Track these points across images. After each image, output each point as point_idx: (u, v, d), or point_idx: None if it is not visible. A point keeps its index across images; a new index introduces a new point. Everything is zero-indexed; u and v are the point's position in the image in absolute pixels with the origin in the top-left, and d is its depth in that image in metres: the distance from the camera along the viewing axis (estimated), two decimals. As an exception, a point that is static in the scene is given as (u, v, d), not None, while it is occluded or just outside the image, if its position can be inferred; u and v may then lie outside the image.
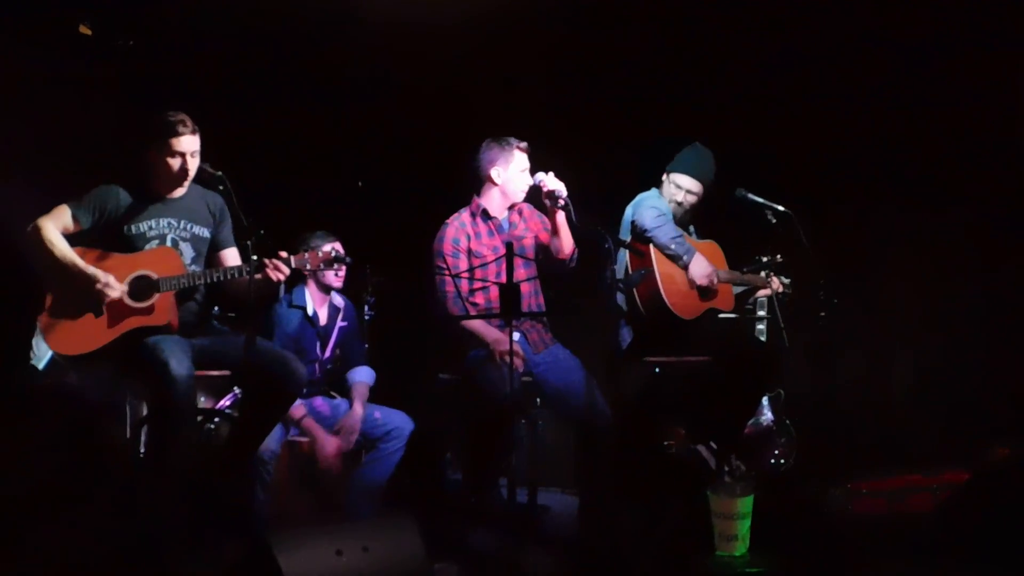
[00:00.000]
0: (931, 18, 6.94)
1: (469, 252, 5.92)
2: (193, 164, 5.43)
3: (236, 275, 5.38)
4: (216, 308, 6.23)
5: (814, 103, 7.23)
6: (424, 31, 7.26)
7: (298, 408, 6.06)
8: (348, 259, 5.52)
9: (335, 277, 6.37)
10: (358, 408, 6.25)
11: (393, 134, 7.58)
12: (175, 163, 5.41)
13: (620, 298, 6.28)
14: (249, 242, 5.35)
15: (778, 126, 7.22)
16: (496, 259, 5.84)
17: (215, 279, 5.40)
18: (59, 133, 6.98)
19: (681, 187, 6.39)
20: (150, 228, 5.46)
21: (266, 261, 5.32)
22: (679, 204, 6.40)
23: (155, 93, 6.81)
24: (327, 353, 6.42)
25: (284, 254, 5.36)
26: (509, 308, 5.40)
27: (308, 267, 5.43)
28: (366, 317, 7.02)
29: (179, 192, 5.54)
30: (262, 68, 7.44)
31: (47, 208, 5.42)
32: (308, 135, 7.57)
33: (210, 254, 5.62)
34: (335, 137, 7.61)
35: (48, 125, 6.99)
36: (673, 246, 6.23)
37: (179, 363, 5.20)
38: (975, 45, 6.91)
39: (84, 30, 7.25)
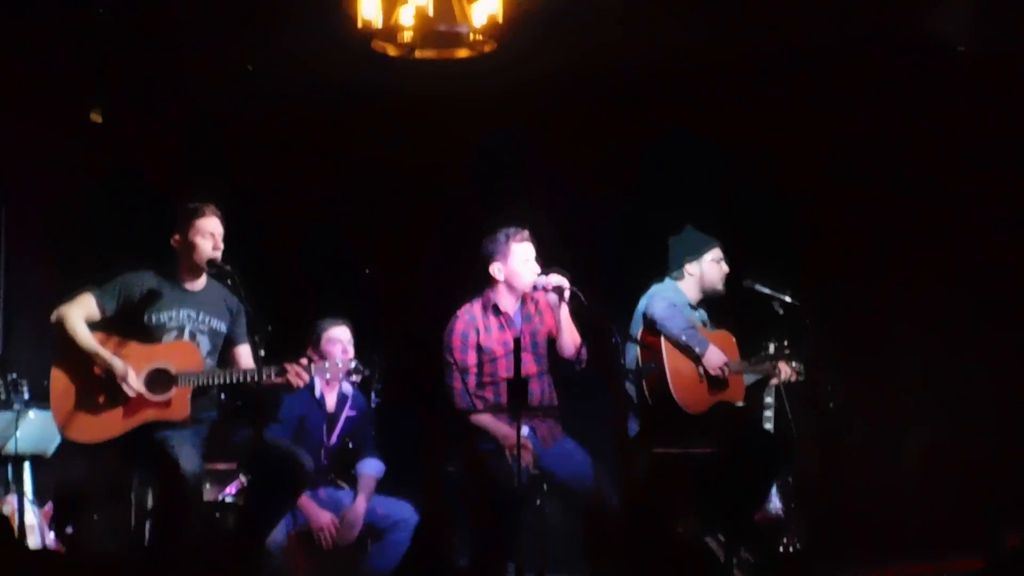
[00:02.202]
0: (935, 103, 6.99)
1: (478, 347, 5.94)
2: (219, 247, 5.47)
3: (256, 378, 5.39)
4: (223, 396, 6.23)
5: (817, 188, 7.27)
6: (435, 115, 7.35)
7: (304, 502, 6.04)
8: (367, 371, 5.57)
9: (349, 379, 6.38)
10: (361, 502, 6.24)
11: (403, 218, 7.61)
12: (204, 244, 5.46)
13: (629, 388, 6.28)
14: (258, 337, 5.39)
15: (783, 213, 7.24)
16: (506, 354, 5.84)
17: (235, 380, 5.44)
18: (82, 219, 7.05)
19: (716, 260, 6.45)
20: (170, 319, 5.50)
21: (287, 367, 5.36)
22: (723, 275, 6.44)
23: (169, 181, 6.88)
24: (332, 439, 6.41)
25: (305, 361, 5.40)
26: (517, 404, 5.42)
27: (328, 377, 5.48)
28: (372, 404, 7.00)
29: (199, 284, 5.58)
30: (271, 153, 7.50)
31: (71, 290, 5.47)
32: (313, 220, 7.61)
33: (224, 348, 5.64)
34: (344, 220, 7.66)
35: (70, 210, 7.07)
36: (685, 338, 6.24)
37: (189, 459, 5.26)
38: (981, 129, 6.95)
39: (95, 118, 7.31)
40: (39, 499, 6.33)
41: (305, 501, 6.11)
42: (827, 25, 6.73)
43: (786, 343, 6.63)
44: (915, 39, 6.64)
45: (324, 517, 6.13)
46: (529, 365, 5.77)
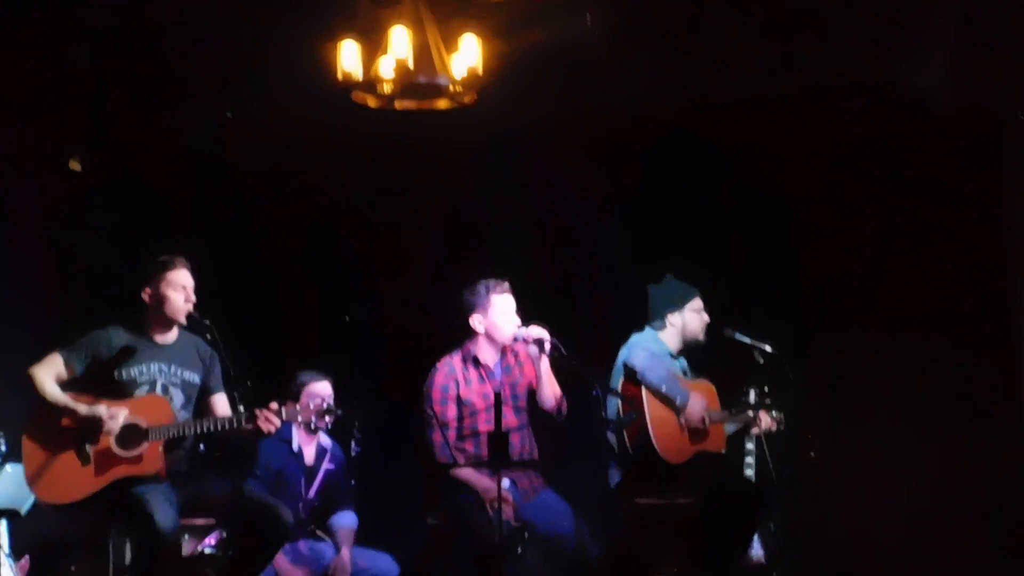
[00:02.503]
0: (911, 152, 7.02)
1: (459, 399, 5.93)
2: (190, 299, 5.45)
3: (227, 426, 5.37)
4: (202, 446, 6.19)
5: (797, 237, 7.28)
6: (415, 166, 7.36)
7: (280, 559, 6.01)
8: (339, 411, 5.54)
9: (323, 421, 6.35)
10: (346, 553, 6.26)
11: (383, 268, 7.60)
12: (176, 297, 5.44)
13: (610, 437, 6.27)
14: (236, 393, 5.36)
15: (763, 261, 7.26)
16: (486, 408, 5.82)
17: (206, 429, 5.40)
18: (54, 273, 7.02)
19: (697, 310, 6.47)
20: (140, 373, 5.46)
21: (257, 412, 5.33)
22: (704, 325, 6.46)
23: (144, 235, 6.85)
24: (311, 493, 6.39)
25: (275, 405, 5.37)
26: (497, 458, 5.41)
27: (299, 419, 5.45)
28: (353, 454, 6.97)
29: (170, 337, 5.55)
30: (249, 202, 7.49)
31: (42, 351, 5.43)
32: (294, 269, 7.60)
33: (200, 399, 5.61)
34: (321, 271, 7.64)
35: (43, 265, 7.03)
36: (665, 388, 6.23)
37: (164, 515, 5.20)
38: (958, 180, 6.98)
39: (74, 166, 7.28)
40: (15, 553, 6.26)
41: (279, 559, 6.07)
42: (808, 74, 6.76)
43: (766, 391, 6.64)
44: (895, 90, 6.67)
45: (297, 574, 6.10)
46: (509, 418, 5.77)
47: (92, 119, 7.16)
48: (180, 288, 5.46)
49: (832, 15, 6.38)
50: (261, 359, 5.88)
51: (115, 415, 5.27)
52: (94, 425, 5.26)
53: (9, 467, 6.16)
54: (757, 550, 6.91)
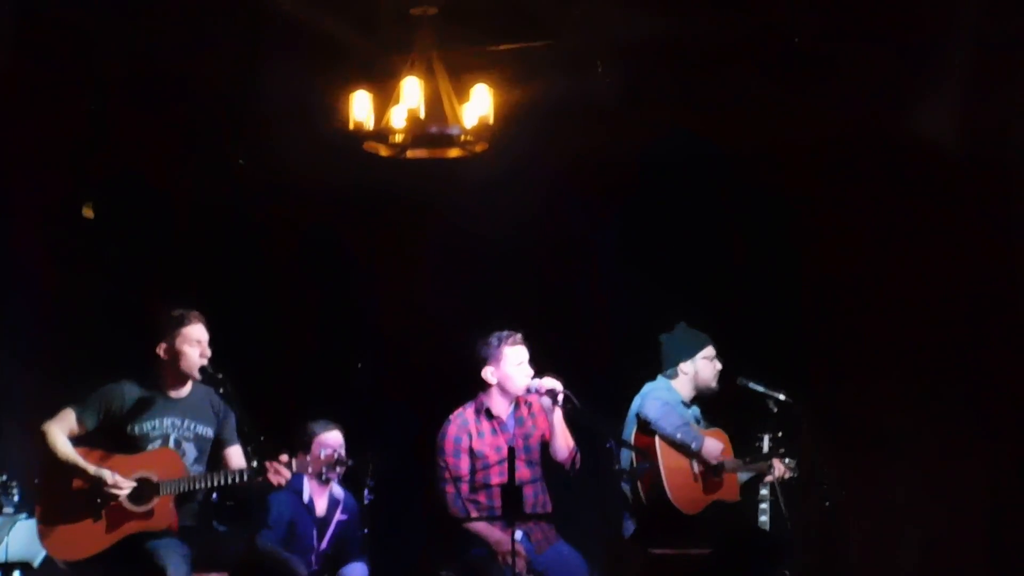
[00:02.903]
0: (925, 201, 7.03)
1: (471, 452, 5.91)
2: (205, 354, 5.45)
3: (237, 479, 5.36)
4: (215, 496, 6.18)
5: (811, 283, 7.28)
6: (425, 215, 7.37)
7: None
8: (349, 461, 5.54)
9: (334, 473, 6.34)
10: None
11: (393, 317, 7.60)
12: (191, 352, 5.44)
13: (624, 488, 6.25)
14: (250, 447, 5.36)
15: (776, 309, 7.24)
16: (499, 461, 5.81)
17: (216, 483, 5.39)
18: (71, 322, 7.04)
19: (709, 358, 6.46)
20: (153, 428, 5.46)
21: (267, 465, 5.31)
22: (717, 373, 6.45)
23: (155, 287, 6.87)
24: (324, 544, 6.37)
25: (285, 458, 5.35)
26: (511, 511, 5.39)
27: (310, 470, 5.43)
28: (365, 502, 6.95)
29: (184, 391, 5.55)
30: (260, 251, 7.50)
31: (56, 405, 5.43)
32: (304, 318, 7.61)
33: (214, 452, 5.60)
34: (332, 320, 7.65)
35: (60, 312, 7.05)
36: (679, 435, 6.22)
37: (176, 569, 5.18)
38: (970, 227, 6.98)
39: (87, 213, 7.30)
40: (28, 606, 6.27)
41: None
42: (821, 123, 6.77)
43: (780, 439, 6.61)
44: (907, 140, 6.67)
45: None
46: (522, 471, 5.74)
47: (102, 162, 7.18)
48: (195, 343, 5.46)
49: (845, 68, 6.39)
50: (273, 410, 5.87)
51: (119, 484, 5.26)
52: (103, 485, 5.25)
53: (22, 519, 6.16)
54: (772, 597, 6.88)
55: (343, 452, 6.17)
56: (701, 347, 6.50)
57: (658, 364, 6.53)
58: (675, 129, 6.79)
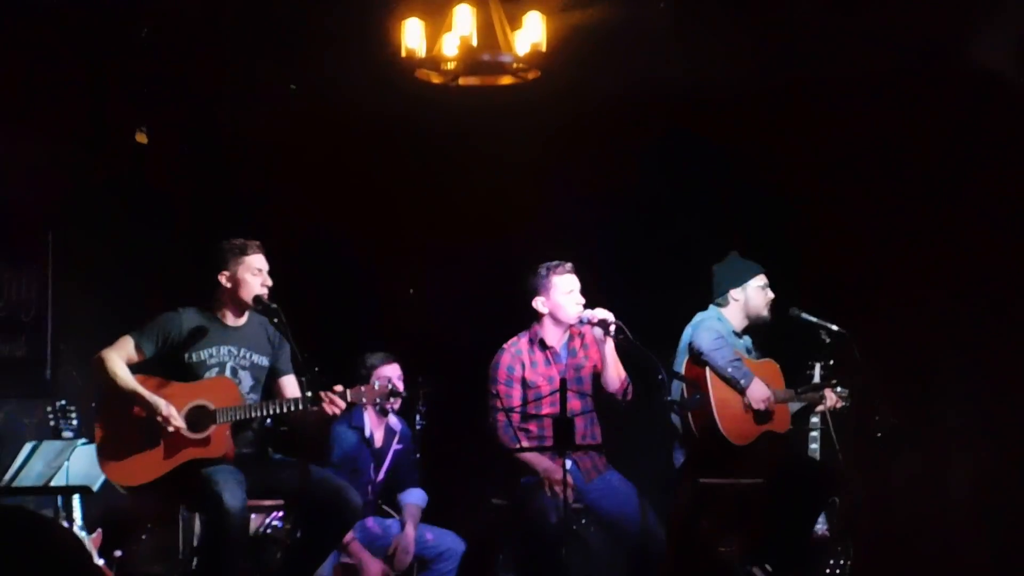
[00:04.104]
0: (982, 129, 6.91)
1: (523, 381, 5.93)
2: (267, 283, 5.50)
3: (292, 407, 5.42)
4: (269, 421, 6.25)
5: (865, 216, 7.20)
6: (478, 144, 7.34)
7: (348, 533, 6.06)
8: (403, 393, 5.57)
9: (390, 404, 6.39)
10: (410, 530, 6.30)
11: (448, 241, 7.61)
12: (254, 281, 5.48)
13: (675, 418, 6.26)
14: (304, 379, 5.40)
15: (829, 241, 7.18)
16: (551, 391, 5.82)
17: (272, 412, 5.45)
18: (127, 247, 7.10)
19: (762, 286, 6.42)
20: (210, 356, 5.51)
21: (322, 395, 5.35)
22: (768, 302, 6.42)
23: (213, 217, 6.90)
24: (380, 475, 6.47)
25: (339, 388, 5.39)
26: (561, 442, 5.42)
27: (364, 401, 5.47)
28: (417, 427, 7.02)
29: (241, 320, 5.60)
30: (312, 182, 7.50)
31: (115, 332, 5.50)
32: (357, 248, 7.62)
33: (269, 381, 5.65)
34: (388, 245, 7.66)
35: (115, 237, 7.11)
36: (730, 370, 6.20)
37: (233, 495, 5.25)
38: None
39: (140, 138, 7.32)
40: (88, 527, 6.38)
41: (357, 547, 6.18)
42: (874, 52, 6.64)
43: (832, 367, 6.59)
44: (963, 68, 6.54)
45: (375, 569, 6.17)
46: (573, 401, 5.75)
47: (155, 96, 7.20)
48: (257, 271, 5.50)
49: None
50: (328, 344, 5.89)
51: (172, 414, 5.32)
52: (157, 412, 5.32)
53: (81, 444, 6.26)
54: (821, 525, 6.90)
55: (400, 384, 6.22)
56: (753, 275, 6.45)
57: (709, 294, 6.52)
58: (729, 57, 6.69)
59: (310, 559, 5.56)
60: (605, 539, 6.10)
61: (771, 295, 6.48)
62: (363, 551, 6.19)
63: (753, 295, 6.47)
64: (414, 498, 6.45)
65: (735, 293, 6.46)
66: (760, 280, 6.47)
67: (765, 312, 6.48)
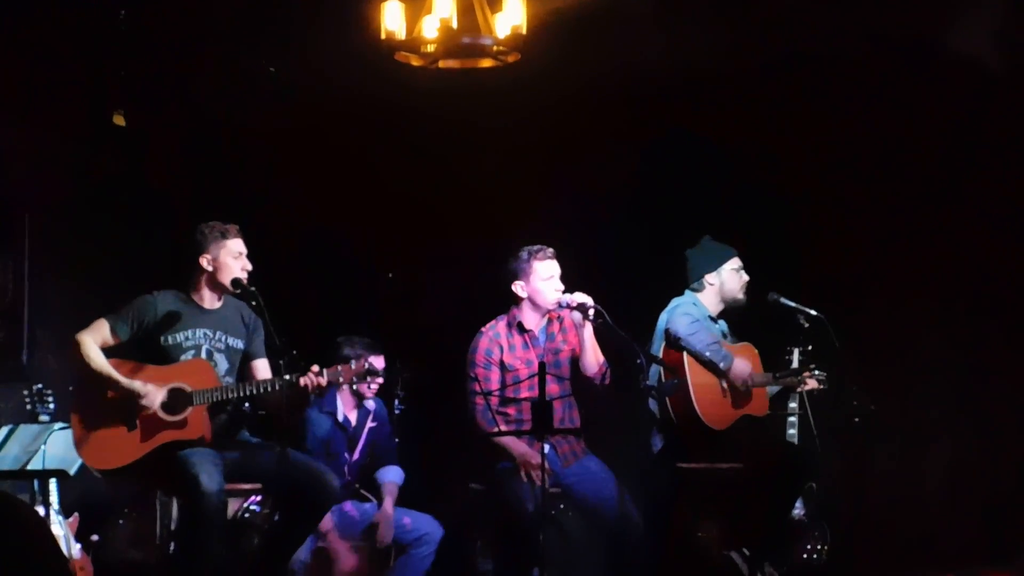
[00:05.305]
0: (962, 118, 6.93)
1: (502, 365, 5.92)
2: (246, 266, 5.49)
3: (269, 388, 5.40)
4: (247, 405, 6.23)
5: (841, 198, 7.22)
6: (457, 127, 7.32)
7: (326, 520, 6.05)
8: (381, 373, 5.54)
9: (368, 388, 6.39)
10: (388, 506, 6.32)
11: (426, 226, 7.59)
12: (234, 264, 5.47)
13: (652, 404, 6.27)
14: (282, 361, 5.37)
15: (807, 227, 7.19)
16: (529, 375, 5.82)
17: (248, 393, 5.43)
18: (103, 230, 7.06)
19: (736, 269, 6.42)
20: (186, 339, 5.50)
21: (301, 378, 5.33)
22: (743, 284, 6.42)
23: (190, 201, 6.87)
24: (356, 455, 6.46)
25: (316, 368, 5.37)
26: (540, 426, 5.42)
27: (341, 380, 5.45)
28: (396, 411, 7.01)
29: (217, 303, 5.58)
30: (288, 163, 7.48)
31: (90, 315, 5.47)
32: (338, 226, 7.59)
33: (242, 365, 5.64)
34: (366, 228, 7.64)
35: (92, 221, 7.07)
36: (708, 353, 6.20)
37: (210, 478, 5.24)
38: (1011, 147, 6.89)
39: (118, 120, 7.28)
40: (65, 511, 6.35)
41: (334, 538, 6.20)
42: (857, 34, 6.65)
43: (810, 352, 6.60)
44: (942, 53, 6.56)
45: (350, 562, 6.21)
46: (551, 386, 5.74)
47: (131, 78, 7.15)
48: (238, 255, 5.50)
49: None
50: (305, 327, 5.87)
51: (150, 394, 5.31)
52: (135, 395, 5.30)
53: (58, 428, 6.23)
54: (798, 510, 6.93)
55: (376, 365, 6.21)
56: (726, 258, 6.45)
57: (684, 279, 6.51)
58: (711, 41, 6.69)
59: (288, 543, 5.55)
60: (583, 524, 6.12)
61: (746, 277, 6.48)
62: (339, 541, 6.19)
63: (728, 278, 6.46)
64: (391, 475, 6.47)
65: (710, 278, 6.45)
66: (734, 263, 6.46)
67: (741, 295, 6.48)
